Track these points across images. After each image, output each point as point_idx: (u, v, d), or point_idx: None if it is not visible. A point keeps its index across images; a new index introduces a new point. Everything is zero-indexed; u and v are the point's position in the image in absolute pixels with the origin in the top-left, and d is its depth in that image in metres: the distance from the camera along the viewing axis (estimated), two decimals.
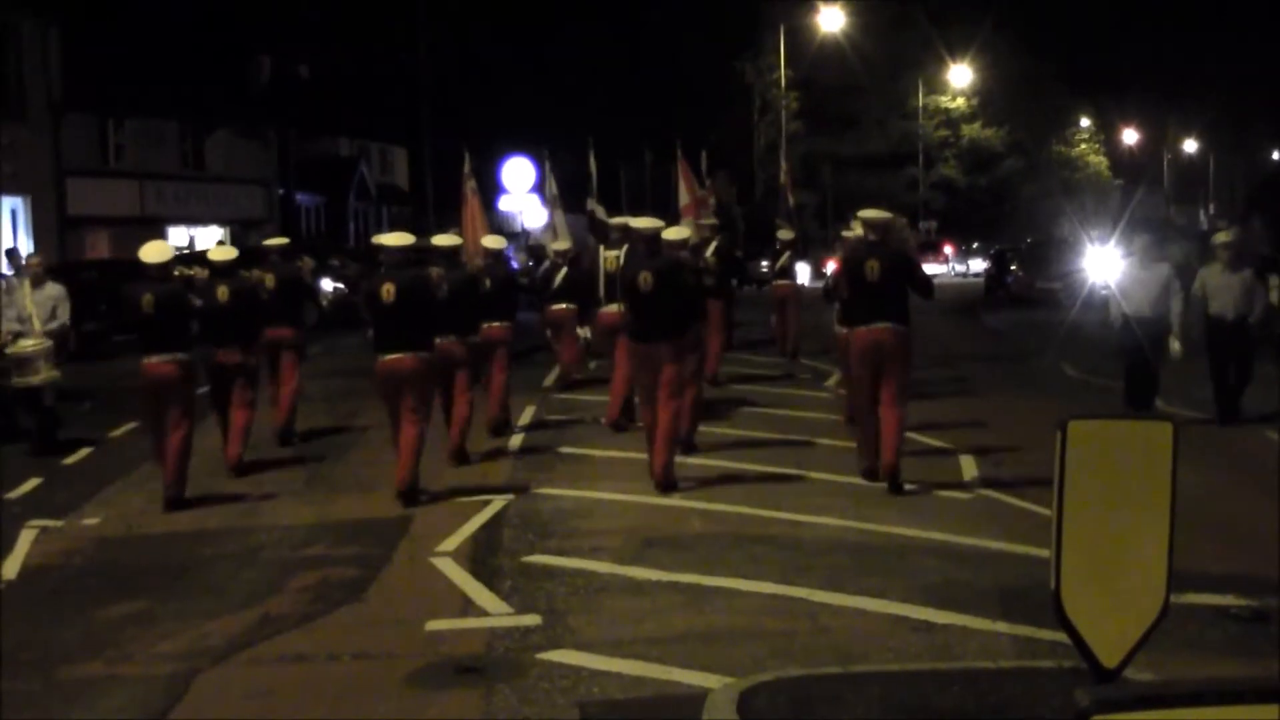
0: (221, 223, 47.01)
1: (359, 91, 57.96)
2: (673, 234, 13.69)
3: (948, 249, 67.22)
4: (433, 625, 8.33)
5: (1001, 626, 7.96)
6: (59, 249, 38.34)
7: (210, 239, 46.11)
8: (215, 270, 14.25)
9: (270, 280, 15.59)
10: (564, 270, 18.50)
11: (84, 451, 15.27)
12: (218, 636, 8.32)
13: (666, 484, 12.06)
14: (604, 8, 66.97)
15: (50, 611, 9.09)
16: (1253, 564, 9.25)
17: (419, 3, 47.65)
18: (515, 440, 15.04)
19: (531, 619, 8.37)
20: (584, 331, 16.43)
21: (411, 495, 11.94)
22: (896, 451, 11.87)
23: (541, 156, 31.63)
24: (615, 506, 11.67)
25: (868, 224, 12.44)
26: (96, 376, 21.74)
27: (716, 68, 69.14)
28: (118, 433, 16.48)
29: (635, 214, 14.38)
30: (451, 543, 10.39)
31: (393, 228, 46.64)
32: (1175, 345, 15.44)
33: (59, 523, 11.73)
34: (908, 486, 12.02)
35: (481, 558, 9.97)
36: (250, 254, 17.27)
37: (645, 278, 12.30)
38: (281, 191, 49.31)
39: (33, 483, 13.47)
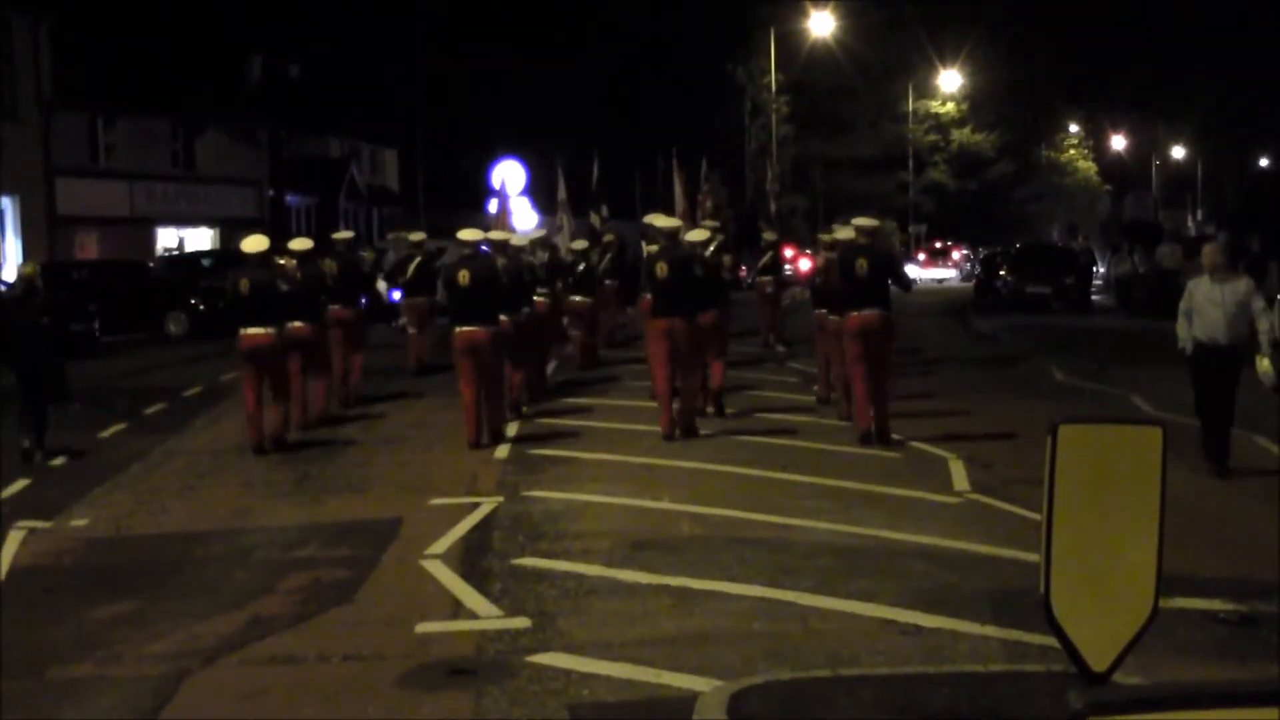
0: (212, 223, 46.83)
1: (350, 92, 57.88)
2: (694, 235, 16.72)
3: (956, 254, 66.97)
4: (423, 627, 8.34)
5: (991, 630, 7.98)
6: (48, 249, 38.28)
7: (201, 240, 46.06)
8: (297, 259, 16.76)
9: (334, 267, 18.30)
10: (581, 266, 21.47)
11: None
12: (208, 637, 8.31)
13: (689, 428, 14.97)
14: (596, 11, 66.90)
15: (40, 612, 9.07)
16: (1242, 568, 9.28)
17: (412, 4, 47.68)
18: (505, 444, 15.04)
19: (521, 621, 8.38)
20: (632, 311, 18.52)
21: (492, 440, 14.79)
22: (885, 413, 14.56)
23: (532, 159, 32.32)
24: (605, 509, 11.67)
25: (860, 229, 15.05)
26: (85, 378, 21.70)
27: (709, 71, 69.12)
28: (107, 434, 16.47)
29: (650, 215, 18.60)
30: (441, 545, 10.39)
31: (383, 229, 46.72)
32: (1265, 365, 12.95)
33: (48, 524, 11.70)
34: (898, 492, 12.15)
35: (471, 560, 9.98)
36: (323, 245, 19.73)
37: (661, 267, 14.96)
38: (272, 192, 49.22)
39: (21, 484, 13.45)
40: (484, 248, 16.28)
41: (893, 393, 15.45)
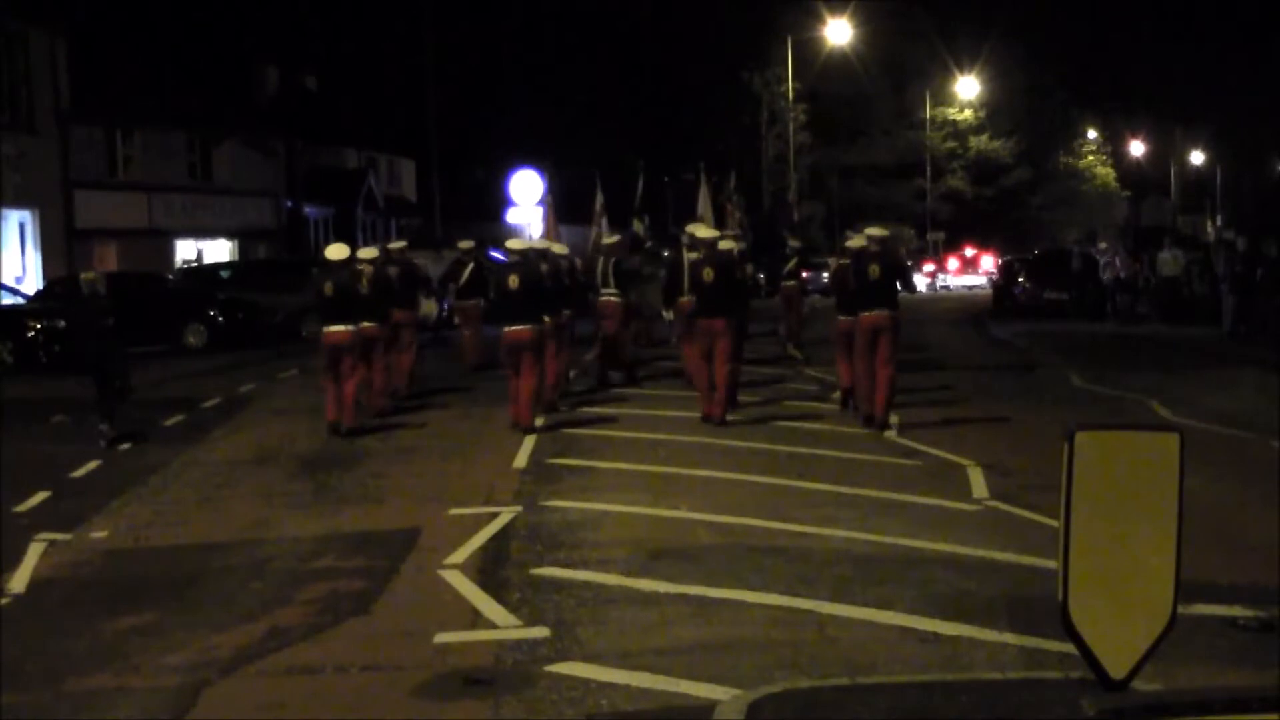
0: (229, 235, 46.89)
1: (366, 102, 57.98)
2: (726, 244, 18.46)
3: (987, 259, 66.42)
4: (441, 637, 8.33)
5: (1009, 637, 7.96)
6: (67, 261, 38.38)
7: (219, 251, 46.16)
8: (370, 265, 18.71)
9: (396, 273, 20.00)
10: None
11: (92, 464, 15.27)
12: (226, 648, 8.32)
13: (722, 419, 16.49)
14: (612, 20, 66.97)
15: (58, 623, 9.10)
16: (1260, 574, 9.24)
17: (427, 15, 47.75)
18: (523, 453, 15.05)
19: (540, 631, 8.37)
20: (669, 314, 19.93)
21: (530, 429, 16.14)
22: (888, 400, 16.28)
23: (550, 169, 32.92)
24: (622, 518, 11.66)
25: (872, 238, 16.80)
26: None
27: (725, 79, 69.13)
28: (125, 446, 16.49)
29: (681, 225, 21.29)
30: (459, 555, 10.39)
31: (400, 238, 46.95)
32: None
33: (67, 535, 11.72)
34: (916, 499, 12.18)
35: (489, 570, 9.97)
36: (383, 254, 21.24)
37: (707, 272, 16.59)
38: (289, 203, 49.29)
39: (41, 496, 13.47)
40: (495, 254, 17.25)
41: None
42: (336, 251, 17.56)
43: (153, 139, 43.37)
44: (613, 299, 21.14)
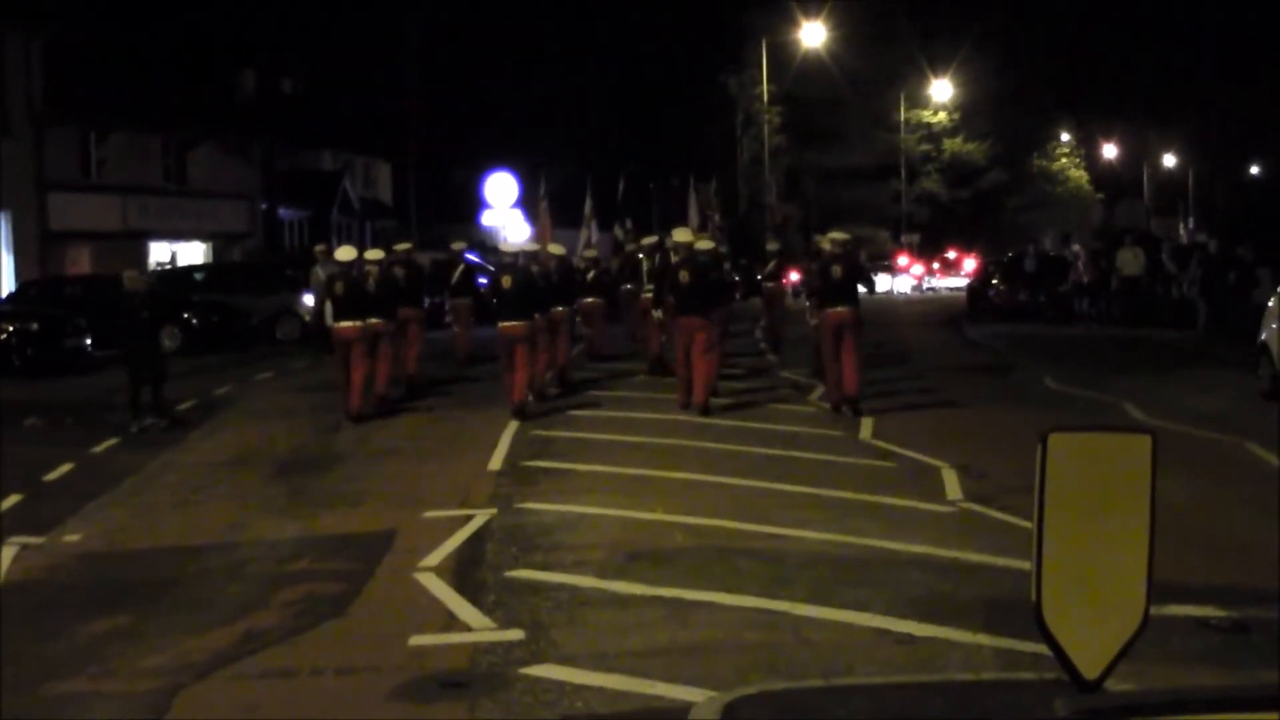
0: (205, 237, 46.69)
1: (343, 105, 57.82)
2: (702, 245, 19.46)
3: (969, 261, 66.41)
4: (416, 640, 8.33)
5: (983, 639, 7.99)
6: (40, 264, 38.19)
7: (193, 254, 45.98)
8: (377, 266, 19.84)
9: (401, 272, 21.28)
10: (592, 272, 24.74)
11: (66, 467, 15.19)
12: (202, 652, 8.30)
13: (704, 409, 17.51)
14: (588, 24, 66.95)
15: (33, 627, 9.05)
16: (1233, 575, 9.29)
17: (407, 19, 47.70)
18: (499, 455, 15.03)
19: (515, 633, 8.37)
20: (658, 313, 21.09)
21: (522, 413, 17.34)
22: (857, 386, 17.66)
23: (526, 173, 33.31)
24: (598, 521, 11.66)
25: (835, 242, 18.34)
26: (79, 391, 21.69)
27: (701, 82, 69.17)
28: (100, 448, 16.43)
29: (666, 230, 22.64)
30: (435, 558, 10.38)
31: (376, 241, 46.97)
32: None
33: (40, 539, 11.66)
34: (891, 501, 12.22)
35: (465, 572, 9.96)
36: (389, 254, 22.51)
37: (683, 274, 17.95)
38: (265, 206, 49.12)
39: (13, 499, 13.40)
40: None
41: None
42: (346, 253, 19.40)
43: (128, 141, 43.11)
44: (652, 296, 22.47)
